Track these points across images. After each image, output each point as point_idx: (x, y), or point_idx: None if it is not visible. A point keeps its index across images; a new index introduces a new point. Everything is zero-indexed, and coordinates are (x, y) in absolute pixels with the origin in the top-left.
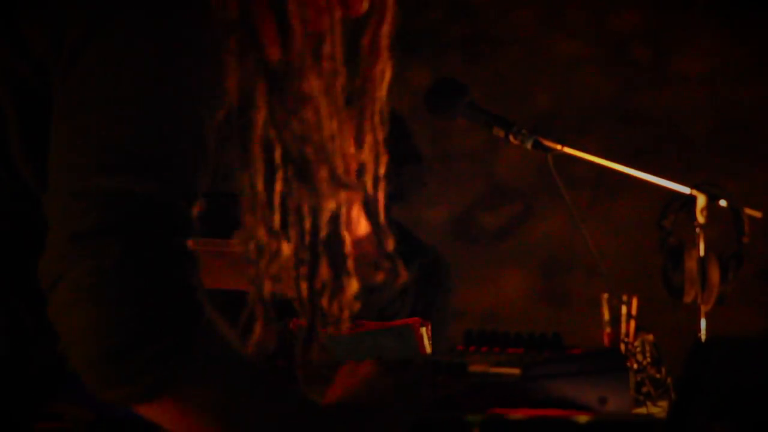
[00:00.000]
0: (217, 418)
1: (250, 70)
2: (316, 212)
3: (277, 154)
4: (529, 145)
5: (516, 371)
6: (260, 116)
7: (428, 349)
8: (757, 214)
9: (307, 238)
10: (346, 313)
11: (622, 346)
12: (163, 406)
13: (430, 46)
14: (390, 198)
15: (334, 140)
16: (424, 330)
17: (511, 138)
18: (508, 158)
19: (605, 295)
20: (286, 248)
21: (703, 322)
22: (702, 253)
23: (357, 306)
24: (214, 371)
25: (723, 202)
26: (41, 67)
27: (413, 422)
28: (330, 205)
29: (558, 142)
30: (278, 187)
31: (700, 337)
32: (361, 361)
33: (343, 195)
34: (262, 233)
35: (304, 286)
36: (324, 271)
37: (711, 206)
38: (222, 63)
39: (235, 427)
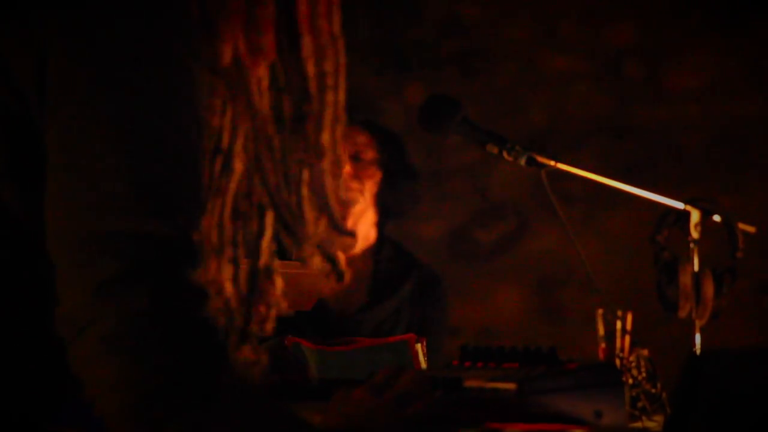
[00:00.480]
0: None
1: (237, 114)
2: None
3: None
4: (522, 162)
5: (512, 386)
6: (240, 164)
7: (423, 365)
8: (751, 229)
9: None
10: (273, 312)
11: (617, 361)
12: None
13: (424, 63)
14: (385, 215)
15: (338, 189)
16: (419, 346)
17: (505, 154)
18: (502, 174)
19: (600, 311)
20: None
21: (698, 337)
22: (696, 268)
23: (284, 305)
24: (241, 413)
25: (717, 217)
26: (21, 94)
27: None
28: (314, 264)
29: (552, 158)
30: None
31: (695, 349)
32: (356, 379)
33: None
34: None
35: (230, 286)
36: (252, 272)
37: (705, 221)
38: (212, 104)
39: None
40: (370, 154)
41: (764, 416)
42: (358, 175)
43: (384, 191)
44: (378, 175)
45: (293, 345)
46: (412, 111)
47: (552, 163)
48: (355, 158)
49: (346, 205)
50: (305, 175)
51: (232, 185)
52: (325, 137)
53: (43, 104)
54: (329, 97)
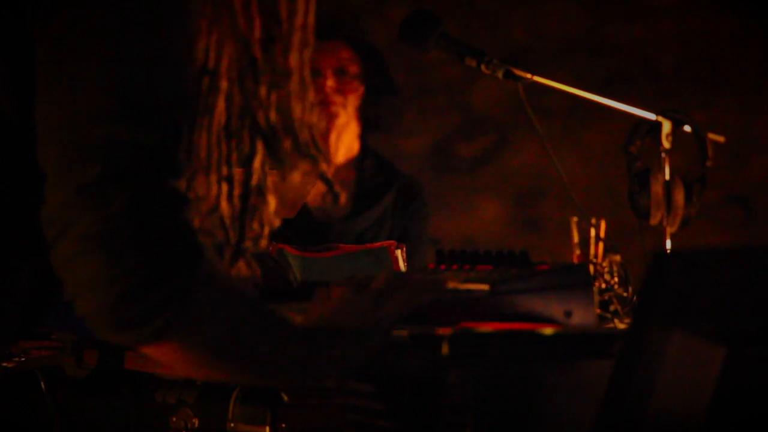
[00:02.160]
0: (220, 356)
1: (223, 35)
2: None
3: (224, 117)
4: (500, 74)
5: (485, 287)
6: (226, 83)
7: (403, 269)
8: (720, 138)
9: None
10: (266, 230)
11: (591, 267)
12: (167, 347)
13: None
14: (367, 128)
15: (303, 111)
16: (399, 252)
17: (483, 67)
18: (483, 90)
19: (574, 219)
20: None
21: (668, 243)
22: (667, 176)
23: (277, 223)
24: (217, 311)
25: (687, 128)
26: (16, 5)
27: (386, 337)
28: (294, 177)
29: (529, 71)
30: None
31: (661, 248)
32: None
33: (306, 165)
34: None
35: (225, 204)
36: (245, 190)
37: (676, 132)
38: (199, 25)
39: (236, 362)
40: (353, 69)
41: (727, 311)
42: (341, 89)
43: (366, 105)
44: (361, 89)
45: (277, 251)
46: (393, 28)
47: (529, 76)
48: (339, 72)
49: (314, 128)
50: (272, 97)
51: (220, 104)
52: (293, 60)
53: (37, 15)
54: (298, 20)
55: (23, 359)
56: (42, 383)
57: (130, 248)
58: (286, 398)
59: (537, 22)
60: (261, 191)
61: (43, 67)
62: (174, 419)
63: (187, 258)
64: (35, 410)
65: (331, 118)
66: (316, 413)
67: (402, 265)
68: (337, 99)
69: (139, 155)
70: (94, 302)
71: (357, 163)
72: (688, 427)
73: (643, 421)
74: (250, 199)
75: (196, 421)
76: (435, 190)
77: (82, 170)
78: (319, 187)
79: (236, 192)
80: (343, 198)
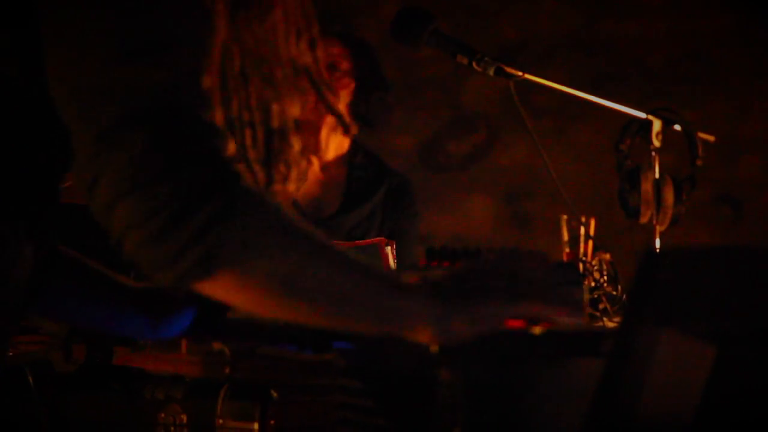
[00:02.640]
0: (280, 286)
1: None
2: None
3: (237, 60)
4: (491, 72)
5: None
6: (222, 22)
7: (393, 267)
8: (710, 137)
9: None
10: (293, 172)
11: (581, 265)
12: (227, 280)
13: None
14: (359, 125)
15: (289, 47)
16: (389, 249)
17: (474, 65)
18: (474, 87)
19: (564, 217)
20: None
21: (657, 242)
22: (657, 175)
23: (304, 164)
24: (264, 238)
25: (677, 127)
26: None
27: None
28: (291, 108)
29: (520, 69)
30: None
31: (651, 246)
32: None
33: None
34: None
35: (250, 150)
36: (267, 133)
37: (666, 130)
38: None
39: (298, 293)
40: (344, 65)
41: (718, 310)
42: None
43: (358, 102)
44: (352, 86)
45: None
46: (385, 25)
47: (520, 73)
48: (330, 68)
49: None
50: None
51: (234, 48)
52: None
53: None
54: None
55: (11, 353)
56: (30, 378)
57: (161, 181)
58: (275, 395)
59: (528, 19)
60: (283, 134)
61: (49, 20)
62: (162, 415)
63: (221, 180)
64: (23, 406)
65: (321, 114)
66: (305, 410)
67: (392, 262)
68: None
69: (154, 93)
70: (138, 240)
71: (347, 159)
72: (678, 426)
73: (633, 421)
74: (273, 142)
75: (184, 417)
76: (425, 188)
77: (99, 116)
78: (309, 185)
79: (259, 136)
80: (353, 128)
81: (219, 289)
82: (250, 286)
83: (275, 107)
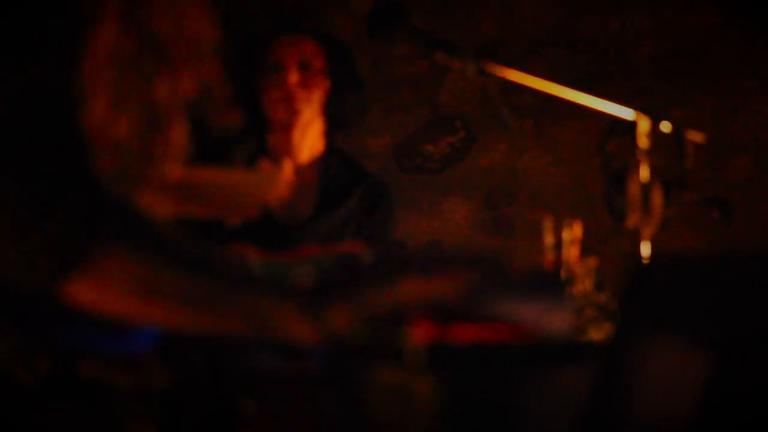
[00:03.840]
0: (140, 290)
1: None
2: None
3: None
4: (471, 70)
5: None
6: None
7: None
8: (699, 137)
9: None
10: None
11: (565, 271)
12: (84, 283)
13: None
14: (332, 125)
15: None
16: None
17: (453, 62)
18: (452, 86)
19: (548, 220)
20: None
21: (645, 246)
22: (644, 177)
23: (183, 143)
24: (129, 243)
25: (665, 127)
26: None
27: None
28: (185, 86)
29: (501, 67)
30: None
31: (642, 258)
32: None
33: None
34: None
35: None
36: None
37: (653, 131)
38: None
39: (157, 295)
40: (317, 63)
41: (710, 317)
42: (304, 84)
43: (331, 101)
44: (325, 85)
45: (239, 255)
46: (359, 23)
47: (500, 71)
48: (303, 67)
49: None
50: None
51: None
52: None
53: None
54: None
55: None
56: None
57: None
58: (246, 406)
59: (508, 15)
60: (170, 112)
61: None
62: (131, 429)
63: (86, 190)
64: None
65: (294, 114)
66: (279, 421)
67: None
68: (301, 94)
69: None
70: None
71: (321, 161)
72: None
73: (626, 429)
74: (159, 119)
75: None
76: (401, 190)
77: None
78: (282, 188)
79: (136, 119)
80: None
81: (81, 291)
82: (110, 288)
83: (167, 83)
